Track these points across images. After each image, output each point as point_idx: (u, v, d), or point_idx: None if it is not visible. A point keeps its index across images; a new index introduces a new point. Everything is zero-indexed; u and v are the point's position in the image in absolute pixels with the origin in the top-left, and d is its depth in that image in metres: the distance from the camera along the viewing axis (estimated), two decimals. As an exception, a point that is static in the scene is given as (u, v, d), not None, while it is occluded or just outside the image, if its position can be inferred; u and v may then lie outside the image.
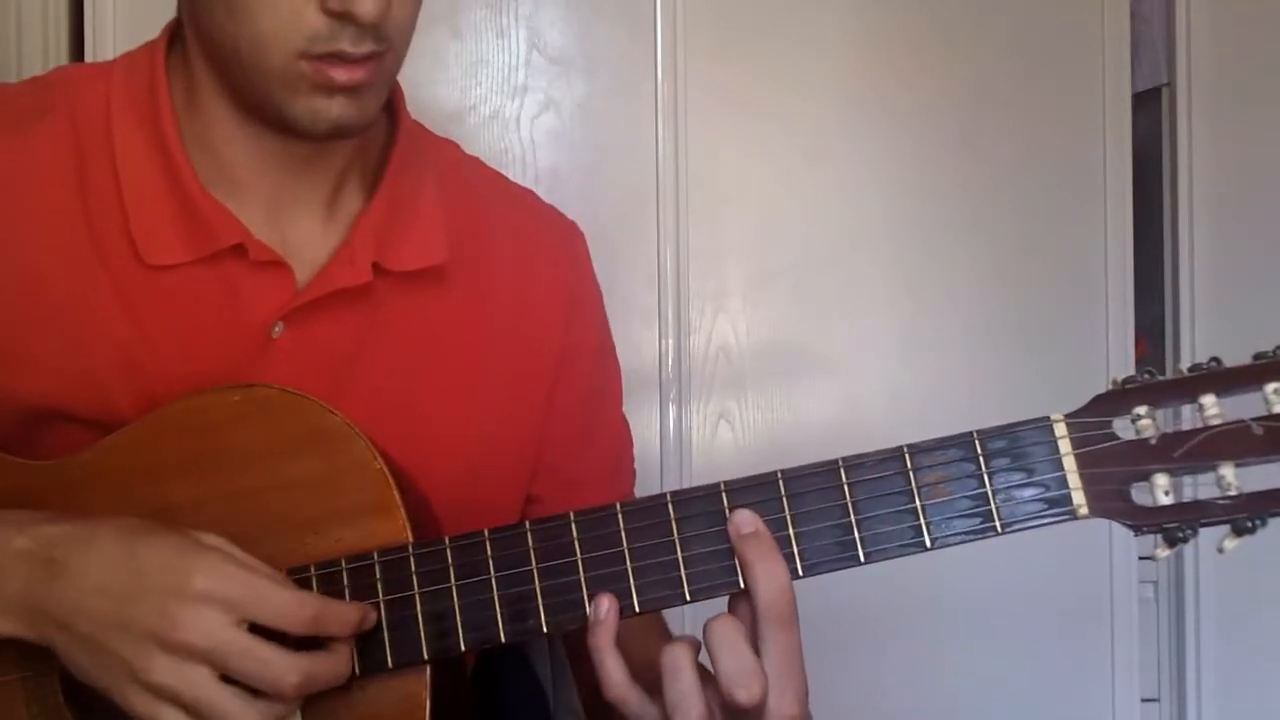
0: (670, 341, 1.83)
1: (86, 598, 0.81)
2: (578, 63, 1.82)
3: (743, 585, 0.83)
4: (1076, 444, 0.81)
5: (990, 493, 0.81)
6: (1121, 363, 1.86)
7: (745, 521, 0.83)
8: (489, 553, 0.86)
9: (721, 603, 0.86)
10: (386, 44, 0.90)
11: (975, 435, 0.82)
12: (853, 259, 1.85)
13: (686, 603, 0.85)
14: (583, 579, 0.85)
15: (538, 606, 0.85)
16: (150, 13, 1.63)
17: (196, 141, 0.97)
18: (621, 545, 0.85)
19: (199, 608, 0.80)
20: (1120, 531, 0.81)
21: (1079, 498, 0.81)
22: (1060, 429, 0.81)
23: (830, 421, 1.83)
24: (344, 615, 0.85)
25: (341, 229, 1.00)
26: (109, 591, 0.81)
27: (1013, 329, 1.86)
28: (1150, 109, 1.99)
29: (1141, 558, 1.86)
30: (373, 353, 1.00)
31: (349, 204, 1.01)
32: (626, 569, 0.84)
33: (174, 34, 1.00)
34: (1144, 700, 1.90)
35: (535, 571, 0.85)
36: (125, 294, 0.94)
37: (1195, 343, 1.94)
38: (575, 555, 0.85)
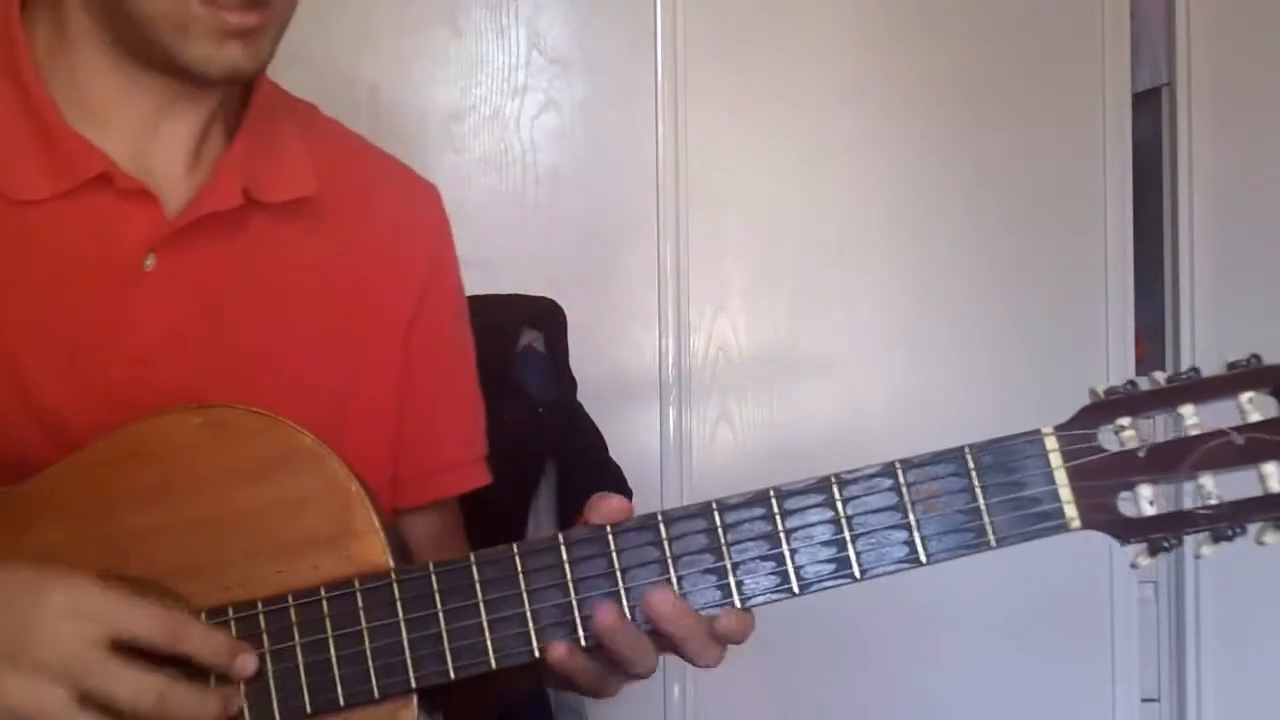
0: (670, 342, 1.83)
1: None
2: (578, 63, 1.82)
3: (738, 604, 0.82)
4: (1067, 456, 0.81)
5: (983, 507, 0.81)
6: (1121, 363, 1.86)
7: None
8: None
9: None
10: None
11: (967, 449, 0.82)
12: (852, 259, 1.85)
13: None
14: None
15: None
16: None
17: (63, 80, 0.96)
18: (614, 566, 0.83)
19: (55, 623, 0.78)
20: (1121, 532, 0.82)
21: (1071, 510, 0.81)
22: (1050, 442, 0.81)
23: (830, 422, 1.83)
24: (209, 636, 0.82)
25: (206, 169, 1.00)
26: None
27: (1013, 329, 1.86)
28: (1150, 109, 1.99)
29: (1142, 558, 1.86)
30: (245, 287, 0.99)
31: (213, 147, 1.01)
32: (619, 589, 0.83)
33: None
34: (1144, 700, 1.91)
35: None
36: None
37: (1195, 343, 1.94)
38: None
